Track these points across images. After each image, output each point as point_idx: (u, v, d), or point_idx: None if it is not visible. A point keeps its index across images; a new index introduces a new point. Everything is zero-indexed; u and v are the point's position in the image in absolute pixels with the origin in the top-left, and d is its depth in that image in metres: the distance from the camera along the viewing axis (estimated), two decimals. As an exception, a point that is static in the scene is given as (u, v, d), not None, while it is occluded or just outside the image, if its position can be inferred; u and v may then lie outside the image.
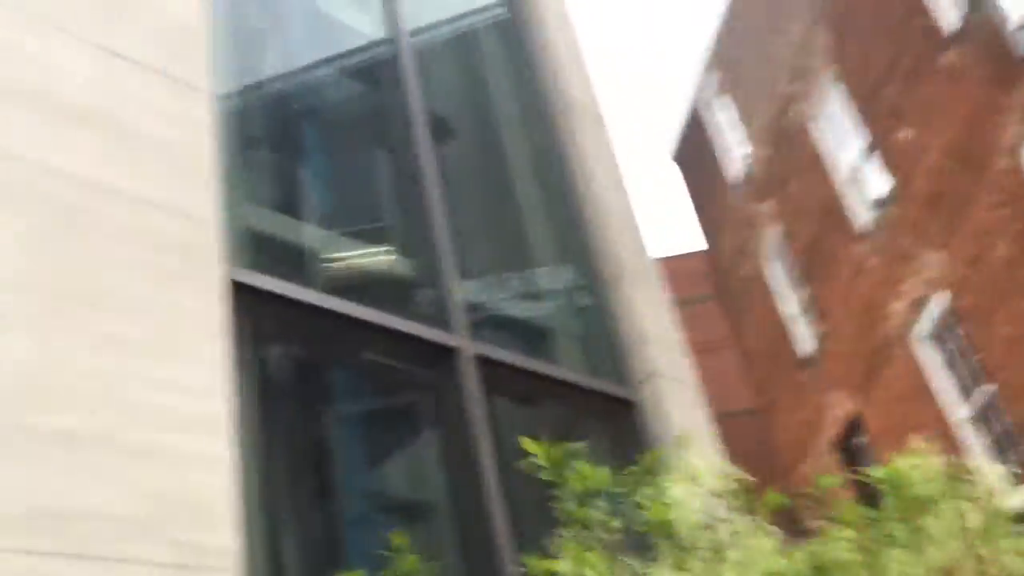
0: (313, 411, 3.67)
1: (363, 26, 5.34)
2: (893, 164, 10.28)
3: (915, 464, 1.79)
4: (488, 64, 6.16)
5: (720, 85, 15.34)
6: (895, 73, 9.83)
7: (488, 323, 4.59)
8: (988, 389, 9.39)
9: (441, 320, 4.05)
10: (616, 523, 1.70)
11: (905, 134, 9.80)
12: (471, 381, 3.89)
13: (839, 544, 1.93)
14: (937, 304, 9.95)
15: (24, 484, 2.39)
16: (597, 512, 1.64)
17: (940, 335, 10.19)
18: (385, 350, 3.84)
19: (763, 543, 1.84)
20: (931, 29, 9.05)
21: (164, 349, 2.87)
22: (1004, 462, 9.42)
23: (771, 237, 14.16)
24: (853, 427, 12.62)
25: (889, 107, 10.05)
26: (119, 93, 3.27)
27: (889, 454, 8.09)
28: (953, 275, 9.39)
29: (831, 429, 13.22)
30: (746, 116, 14.34)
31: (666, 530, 1.69)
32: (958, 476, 1.82)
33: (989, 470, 1.88)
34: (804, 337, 13.82)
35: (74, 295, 2.78)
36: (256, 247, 3.67)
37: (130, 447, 2.64)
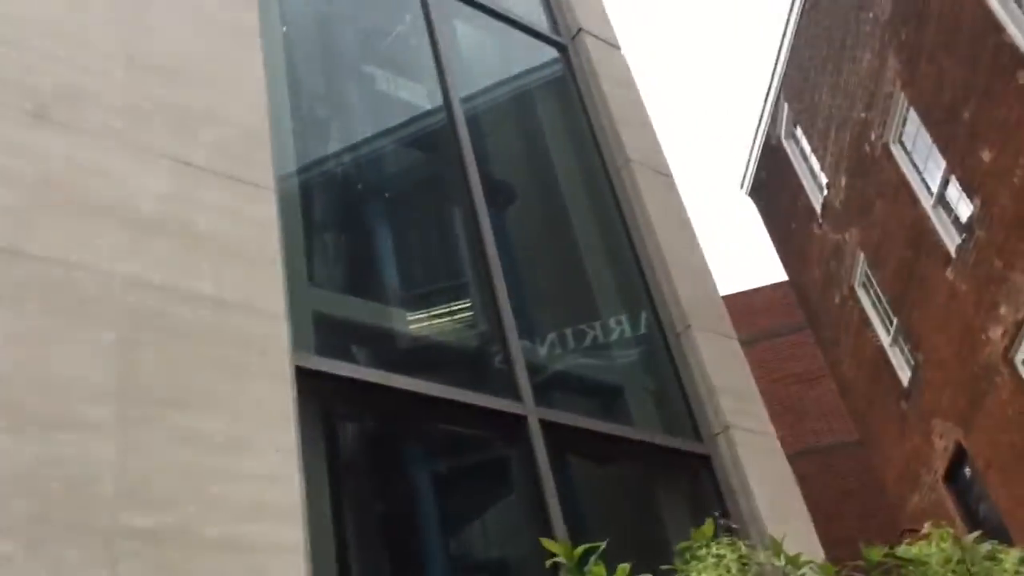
0: (384, 488, 3.80)
1: (418, 98, 5.56)
2: (974, 186, 10.04)
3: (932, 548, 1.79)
4: (545, 124, 6.31)
5: (792, 115, 15.22)
6: (970, 94, 9.64)
7: (555, 386, 4.68)
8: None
9: (506, 388, 4.16)
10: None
11: (985, 155, 9.58)
12: (539, 447, 3.97)
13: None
14: (1034, 327, 9.65)
15: (113, 582, 2.57)
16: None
17: (1040, 359, 9.86)
18: (451, 422, 3.96)
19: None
20: (1005, 46, 8.87)
21: (238, 442, 3.05)
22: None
23: (858, 265, 13.90)
24: (960, 457, 12.20)
25: (967, 129, 9.85)
26: (193, 201, 3.50)
27: (994, 486, 7.84)
28: (1048, 297, 9.11)
29: (938, 461, 12.81)
30: (821, 145, 14.18)
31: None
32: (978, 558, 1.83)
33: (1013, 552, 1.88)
34: (901, 366, 13.47)
35: (156, 398, 2.98)
36: (322, 331, 3.85)
37: (209, 540, 2.80)
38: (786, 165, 16.02)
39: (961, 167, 10.34)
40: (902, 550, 1.83)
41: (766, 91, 16.00)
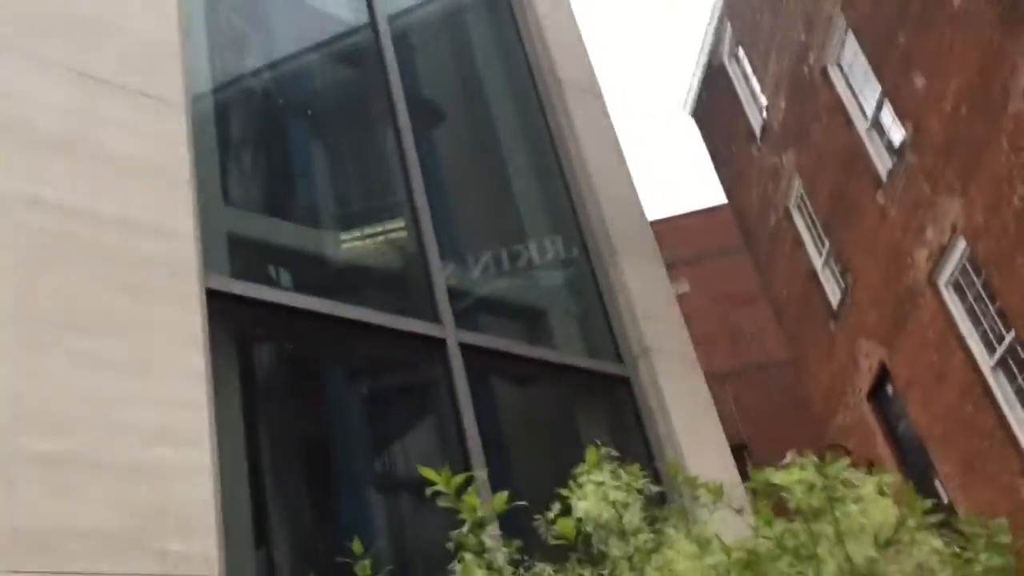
0: (299, 412, 3.79)
1: (343, 13, 5.39)
2: (907, 112, 10.13)
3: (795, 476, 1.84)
4: (476, 44, 6.19)
5: (735, 36, 15.14)
6: (906, 19, 9.64)
7: (478, 309, 4.68)
8: (1010, 336, 9.32)
9: (425, 310, 4.14)
10: (515, 544, 1.77)
11: (918, 81, 9.64)
12: (458, 370, 3.98)
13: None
14: (958, 251, 9.85)
15: (9, 507, 2.54)
16: (490, 539, 1.70)
17: (962, 283, 10.09)
18: (369, 346, 3.95)
19: (685, 547, 1.90)
20: (940, -28, 8.87)
21: (143, 366, 3.00)
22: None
23: (794, 188, 14.04)
24: (883, 376, 12.57)
25: (901, 54, 9.88)
26: (96, 117, 3.38)
27: (915, 405, 8.05)
28: (971, 222, 9.28)
29: (863, 379, 13.18)
30: (762, 66, 14.16)
31: (575, 540, 1.76)
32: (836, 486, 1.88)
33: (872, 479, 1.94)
34: (832, 287, 13.74)
35: (57, 321, 2.91)
36: (235, 252, 3.79)
37: (114, 464, 2.78)
38: (727, 86, 15.98)
39: (895, 92, 10.40)
40: (778, 476, 1.87)
41: (711, 10, 15.87)
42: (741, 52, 15.17)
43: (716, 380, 22.48)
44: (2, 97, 3.21)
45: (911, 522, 1.88)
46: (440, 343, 4.05)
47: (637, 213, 5.58)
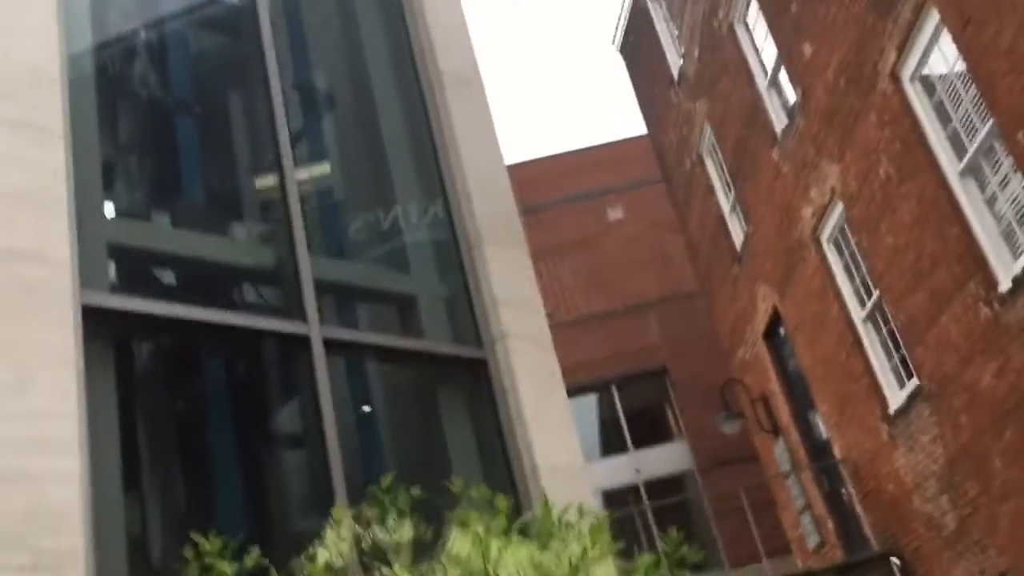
0: (170, 417, 4.29)
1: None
2: (798, 77, 10.67)
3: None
4: (361, 30, 6.48)
5: (655, -18, 15.45)
6: (797, -11, 10.12)
7: (345, 301, 5.17)
8: (876, 293, 10.09)
9: (292, 308, 4.61)
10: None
11: (806, 49, 10.15)
12: (320, 367, 4.48)
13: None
14: (836, 213, 10.53)
15: (-101, 517, 3.03)
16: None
17: (840, 241, 10.82)
18: (236, 347, 4.43)
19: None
20: (828, -54, 9.30)
21: (22, 384, 3.46)
22: (891, 360, 10.20)
23: (705, 135, 14.59)
24: (776, 319, 13.38)
25: (793, 21, 10.36)
26: (-23, 152, 3.76)
27: (800, 347, 8.84)
28: (846, 187, 9.93)
29: (760, 320, 14.00)
30: (679, 15, 14.54)
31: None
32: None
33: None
34: (737, 232, 14.43)
35: (-63, 348, 3.36)
36: (113, 264, 4.21)
37: (-8, 473, 3.27)
38: (651, 29, 16.34)
39: (788, 57, 10.92)
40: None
41: (634, -48, 16.10)
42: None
43: (642, 308, 23.33)
44: None
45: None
46: (304, 340, 4.52)
47: (506, 201, 6.05)
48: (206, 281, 4.64)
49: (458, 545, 2.26)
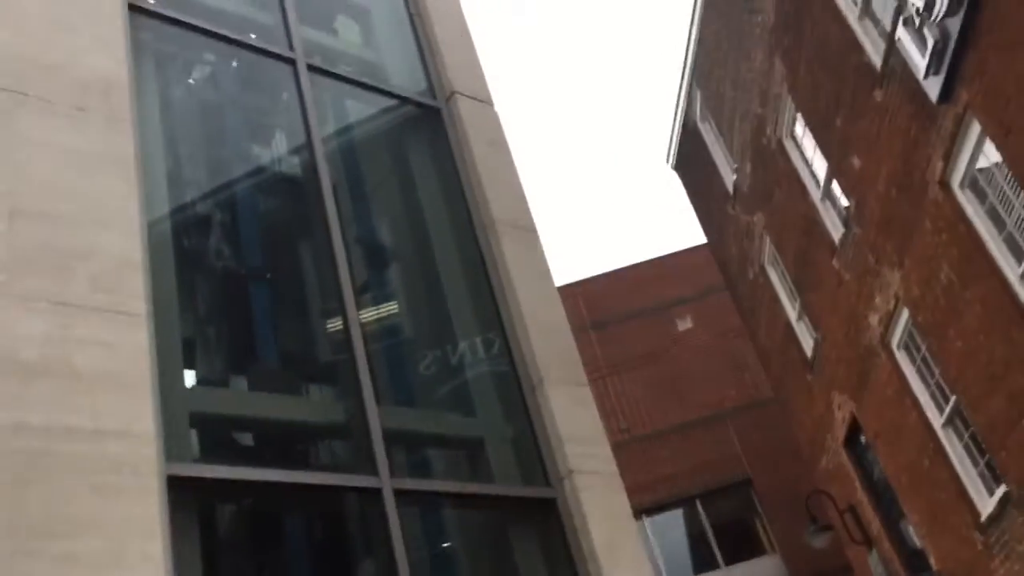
0: (254, 571, 4.48)
1: (291, 183, 6.12)
2: (850, 188, 10.79)
3: None
4: (419, 187, 6.88)
5: (704, 101, 15.85)
6: (840, 105, 10.33)
7: (413, 450, 5.36)
8: (953, 400, 9.91)
9: (363, 462, 4.81)
10: None
11: (855, 162, 10.30)
12: (392, 517, 4.64)
13: None
14: (903, 318, 10.47)
15: None
16: None
17: (911, 346, 10.71)
18: (313, 504, 4.64)
19: None
20: (865, 66, 9.55)
21: (112, 557, 3.69)
22: (977, 466, 9.94)
23: (765, 247, 14.69)
24: (855, 427, 13.15)
25: (839, 136, 10.56)
26: (69, 340, 4.09)
27: (883, 456, 8.71)
28: (909, 293, 9.90)
29: (839, 428, 13.77)
30: (729, 133, 14.87)
31: None
32: None
33: None
34: (806, 340, 14.35)
35: (40, 531, 3.60)
36: (197, 435, 4.48)
37: (87, 650, 3.47)
38: (703, 146, 16.70)
39: (838, 169, 11.08)
40: None
41: (680, 74, 16.60)
42: (711, 117, 15.90)
43: (720, 418, 23.04)
44: (-10, 336, 3.92)
45: None
46: (376, 493, 4.72)
47: (565, 340, 6.25)
48: (282, 441, 4.89)
49: None
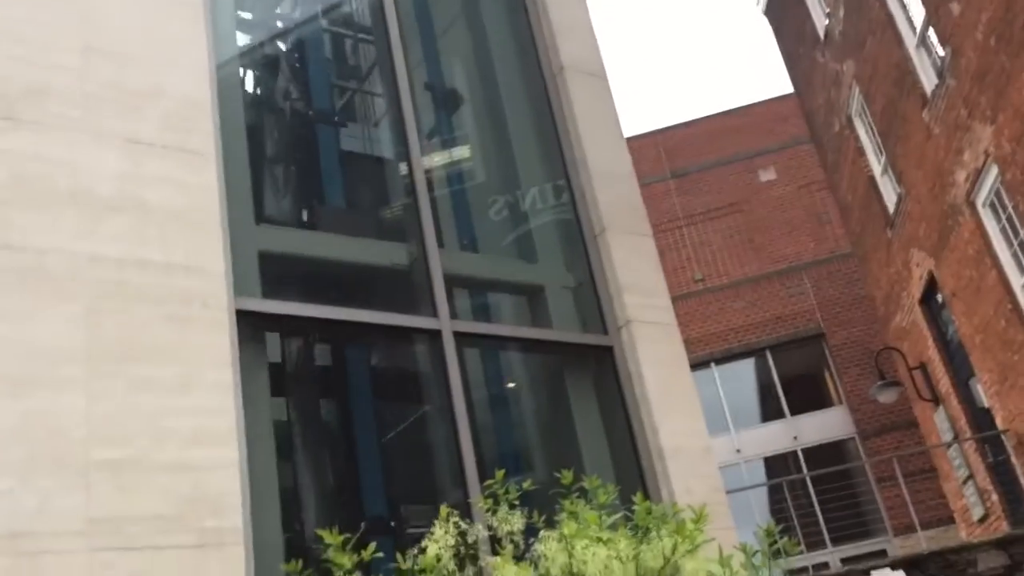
0: (317, 408, 4.72)
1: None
2: (946, 36, 10.22)
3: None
4: (488, 29, 6.74)
5: (798, -59, 15.00)
6: (943, -54, 9.68)
7: (474, 294, 5.48)
8: (1035, 261, 9.64)
9: (424, 303, 4.96)
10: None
11: (954, 8, 9.71)
12: (451, 359, 4.81)
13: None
14: (991, 176, 10.09)
15: (87, 503, 3.54)
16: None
17: (997, 205, 10.35)
18: (375, 343, 4.83)
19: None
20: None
21: (184, 383, 3.93)
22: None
23: (853, 97, 14.15)
24: (932, 285, 12.93)
25: (940, -21, 9.94)
26: (142, 177, 4.24)
27: (958, 314, 8.66)
28: (1000, 150, 9.48)
29: (915, 286, 13.55)
30: (823, -26, 14.10)
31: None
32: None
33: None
34: (889, 195, 13.98)
35: (117, 355, 3.85)
36: (266, 273, 4.65)
37: (162, 464, 3.74)
38: (796, -12, 15.90)
39: (935, 15, 10.47)
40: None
41: (776, -91, 15.67)
42: (803, -43, 15.06)
43: (796, 271, 22.83)
44: (67, 169, 4.08)
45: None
46: (436, 334, 4.88)
47: (631, 189, 6.22)
48: (346, 281, 5.04)
49: (545, 544, 2.51)
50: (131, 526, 3.57)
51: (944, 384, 13.43)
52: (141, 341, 3.92)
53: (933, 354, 13.55)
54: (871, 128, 13.99)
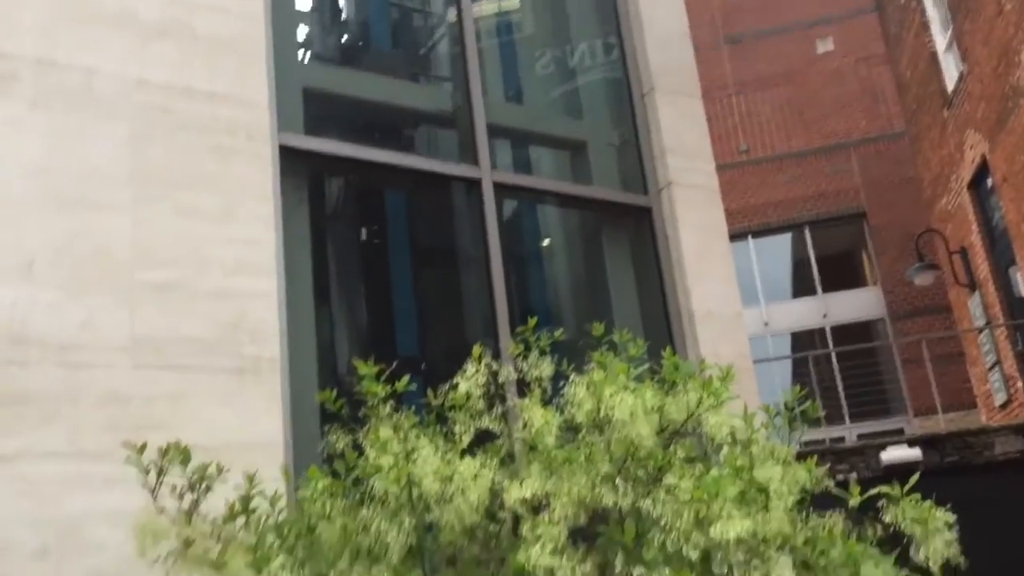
0: (353, 248, 4.77)
1: None
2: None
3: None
4: None
5: None
6: None
7: (516, 145, 5.43)
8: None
9: (466, 152, 4.94)
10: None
11: None
12: (490, 210, 4.82)
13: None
14: (1059, 59, 9.70)
15: (132, 321, 3.65)
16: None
17: (1060, 90, 10.00)
18: (414, 187, 4.83)
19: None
20: None
21: (226, 213, 3.98)
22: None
23: (924, -35, 13.52)
24: (983, 169, 12.65)
25: None
26: (190, 2, 4.18)
27: (1007, 201, 8.58)
28: (1072, 33, 9.09)
29: (965, 170, 13.26)
30: None
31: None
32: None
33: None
34: (950, 73, 13.52)
35: (162, 180, 3.89)
36: (307, 108, 4.63)
37: (205, 290, 3.83)
38: None
39: None
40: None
41: None
42: None
43: (844, 148, 22.36)
44: (113, -9, 4.03)
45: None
46: (476, 183, 4.87)
47: (683, 50, 6.05)
48: (390, 124, 5.02)
49: (575, 389, 2.57)
50: (173, 347, 3.68)
51: (983, 270, 13.31)
52: (185, 169, 3.96)
53: (975, 239, 13.38)
54: (938, 1, 13.42)
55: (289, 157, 4.31)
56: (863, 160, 22.17)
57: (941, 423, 13.31)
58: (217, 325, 3.80)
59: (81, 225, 3.67)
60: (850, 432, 17.85)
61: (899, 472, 7.67)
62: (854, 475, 8.63)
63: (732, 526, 2.13)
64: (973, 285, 13.80)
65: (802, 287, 21.80)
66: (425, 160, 4.78)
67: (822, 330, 21.00)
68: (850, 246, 21.96)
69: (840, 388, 18.76)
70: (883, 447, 8.83)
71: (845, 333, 20.23)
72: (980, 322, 13.76)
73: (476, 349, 2.69)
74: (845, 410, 18.22)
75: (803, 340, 21.31)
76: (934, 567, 2.31)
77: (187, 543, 2.54)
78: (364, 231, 4.88)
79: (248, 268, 3.96)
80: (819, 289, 21.41)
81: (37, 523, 3.19)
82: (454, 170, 4.86)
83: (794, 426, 3.22)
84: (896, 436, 12.05)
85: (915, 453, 8.31)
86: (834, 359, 18.97)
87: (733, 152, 22.22)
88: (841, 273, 21.55)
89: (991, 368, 13.67)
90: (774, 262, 22.18)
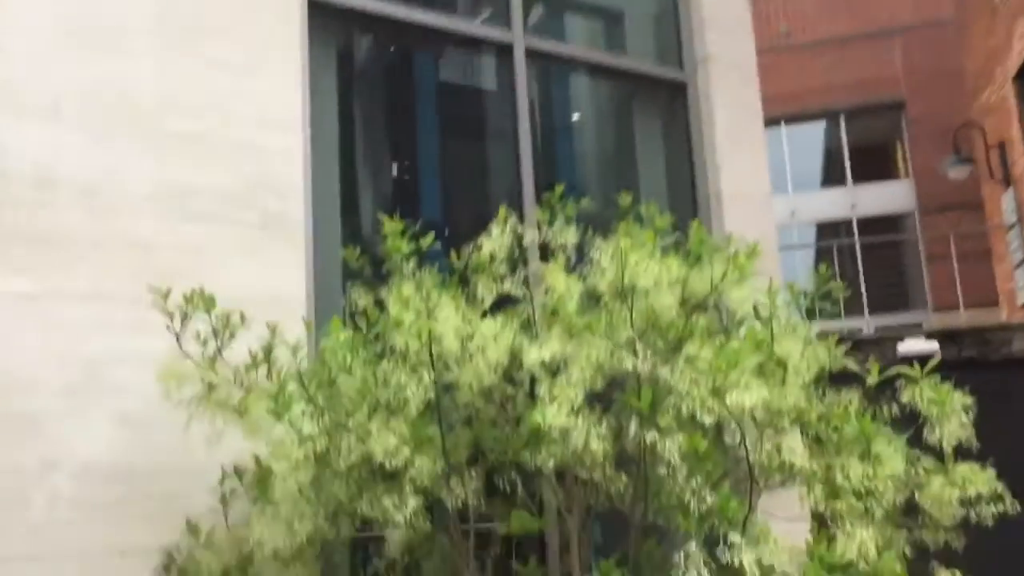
0: (380, 104, 4.68)
1: None
2: None
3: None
4: None
5: None
6: None
7: (550, 11, 5.26)
8: None
9: (498, 15, 4.79)
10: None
11: None
12: (520, 76, 4.71)
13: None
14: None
15: (157, 169, 3.63)
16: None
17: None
18: (444, 48, 4.71)
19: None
20: None
21: (254, 67, 3.91)
22: None
23: None
24: (1032, 61, 12.25)
25: None
26: None
27: None
28: None
29: (1013, 61, 12.84)
30: None
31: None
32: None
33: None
34: (1006, -42, 12.96)
35: (190, 28, 3.81)
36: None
37: (230, 142, 3.80)
38: None
39: None
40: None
41: None
42: None
43: (887, 35, 21.67)
44: None
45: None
46: (508, 48, 4.75)
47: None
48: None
49: (599, 254, 2.55)
50: (198, 196, 3.67)
51: (1020, 166, 13.05)
52: (213, 20, 3.88)
53: (1015, 133, 13.06)
54: None
55: (317, 12, 4.21)
56: (906, 48, 21.49)
57: (962, 318, 13.28)
58: (242, 178, 3.78)
59: (107, 71, 3.62)
60: (868, 324, 17.87)
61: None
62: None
63: (749, 395, 2.14)
64: (1008, 181, 13.55)
65: (832, 177, 21.49)
66: (456, 20, 4.65)
67: (849, 222, 20.79)
68: (885, 137, 21.51)
69: (862, 280, 18.68)
70: (901, 339, 8.84)
71: (872, 225, 20.03)
72: (1011, 219, 13.57)
73: (502, 211, 2.66)
74: (864, 301, 18.19)
75: (829, 231, 21.12)
76: (947, 448, 2.32)
77: (210, 387, 2.58)
78: (391, 93, 4.79)
79: (273, 122, 3.92)
80: (849, 180, 21.09)
81: (63, 362, 3.25)
82: (486, 33, 4.74)
83: (816, 308, 3.20)
84: (915, 330, 12.04)
85: (932, 346, 8.30)
86: (858, 250, 18.85)
87: (772, 35, 21.55)
88: (873, 164, 21.17)
89: (1018, 266, 13.55)
90: (806, 151, 21.81)
